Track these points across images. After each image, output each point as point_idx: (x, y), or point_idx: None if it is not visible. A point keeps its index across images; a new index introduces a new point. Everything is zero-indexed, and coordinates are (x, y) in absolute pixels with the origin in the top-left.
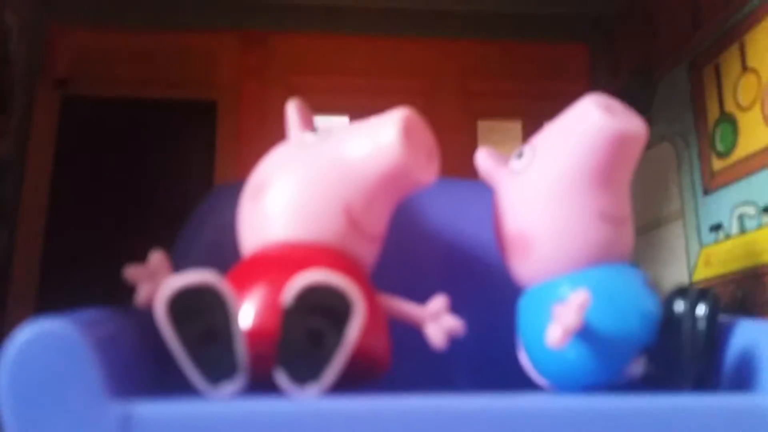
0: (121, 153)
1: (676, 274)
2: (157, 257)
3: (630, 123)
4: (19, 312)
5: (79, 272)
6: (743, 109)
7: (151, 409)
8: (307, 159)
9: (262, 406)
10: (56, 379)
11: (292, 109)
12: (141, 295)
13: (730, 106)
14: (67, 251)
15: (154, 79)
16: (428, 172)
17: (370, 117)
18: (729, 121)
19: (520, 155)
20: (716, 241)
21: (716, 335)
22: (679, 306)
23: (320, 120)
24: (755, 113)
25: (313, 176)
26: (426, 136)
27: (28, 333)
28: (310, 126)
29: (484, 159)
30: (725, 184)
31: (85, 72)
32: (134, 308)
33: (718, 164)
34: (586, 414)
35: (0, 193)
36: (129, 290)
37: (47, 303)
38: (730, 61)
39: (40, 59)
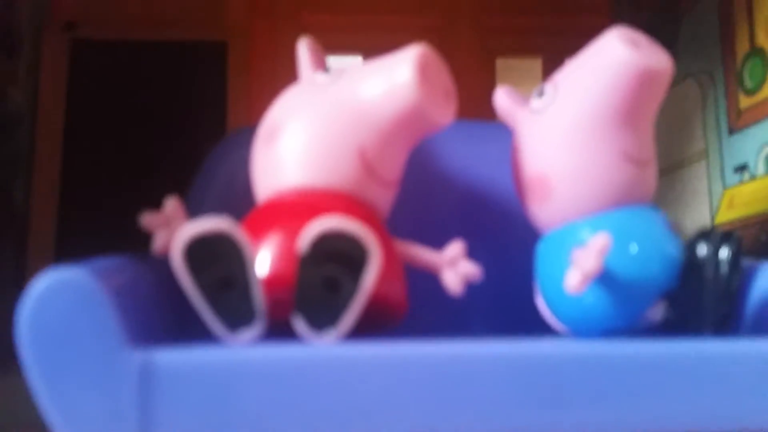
0: (132, 97)
1: (697, 217)
2: (171, 204)
3: (656, 58)
4: (39, 263)
5: (97, 221)
6: None
7: (171, 357)
8: (320, 101)
9: (281, 351)
10: (75, 328)
11: (304, 49)
12: (157, 243)
13: (761, 40)
14: (84, 200)
15: (163, 21)
16: (445, 112)
17: (384, 56)
18: (760, 55)
19: (540, 93)
20: (740, 182)
21: (739, 279)
22: (702, 249)
23: (333, 59)
24: None
25: (326, 119)
26: (443, 75)
27: (45, 283)
28: (322, 66)
29: (502, 98)
30: (753, 122)
31: (93, 14)
32: (152, 256)
33: (745, 102)
34: (604, 359)
35: (15, 146)
36: (147, 237)
37: (66, 253)
38: None
39: (46, 1)
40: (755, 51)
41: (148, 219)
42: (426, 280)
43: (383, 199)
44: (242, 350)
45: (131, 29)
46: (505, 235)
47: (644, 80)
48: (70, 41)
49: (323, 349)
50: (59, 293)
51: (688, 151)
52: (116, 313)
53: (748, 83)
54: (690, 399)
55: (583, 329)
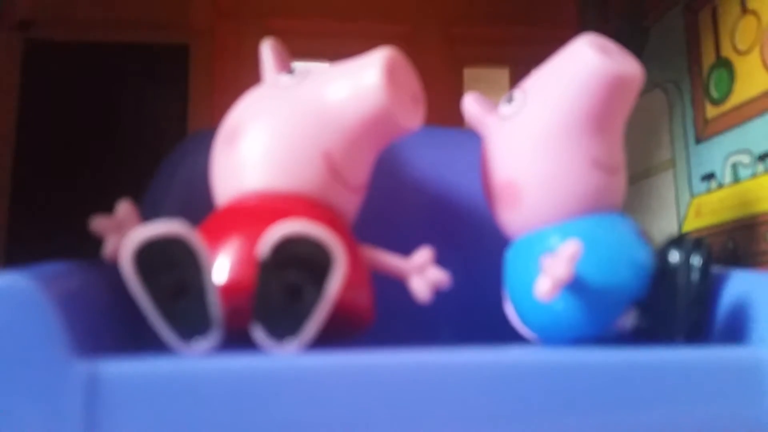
0: (89, 100)
1: (665, 225)
2: (124, 207)
3: (626, 64)
4: None
5: (49, 227)
6: (741, 54)
7: (119, 367)
8: (283, 103)
9: (239, 362)
10: (15, 336)
11: (267, 50)
12: (108, 248)
13: (727, 51)
14: (35, 205)
15: (123, 22)
16: (413, 116)
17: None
18: (725, 66)
19: (510, 99)
20: (708, 191)
21: (710, 286)
22: (674, 256)
23: (298, 65)
24: (754, 57)
25: (290, 121)
26: (411, 79)
27: None
28: (286, 68)
29: (471, 104)
30: (719, 131)
31: (49, 14)
32: (103, 262)
33: (712, 111)
34: (574, 367)
35: None
36: (99, 244)
37: (17, 259)
38: (729, 3)
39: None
40: (721, 62)
41: (98, 223)
42: (393, 287)
43: (349, 203)
44: (197, 361)
45: (89, 30)
46: (474, 242)
47: (615, 87)
48: (25, 41)
49: (284, 359)
50: None
51: (655, 160)
52: (60, 321)
53: (714, 93)
54: (662, 407)
55: (553, 337)
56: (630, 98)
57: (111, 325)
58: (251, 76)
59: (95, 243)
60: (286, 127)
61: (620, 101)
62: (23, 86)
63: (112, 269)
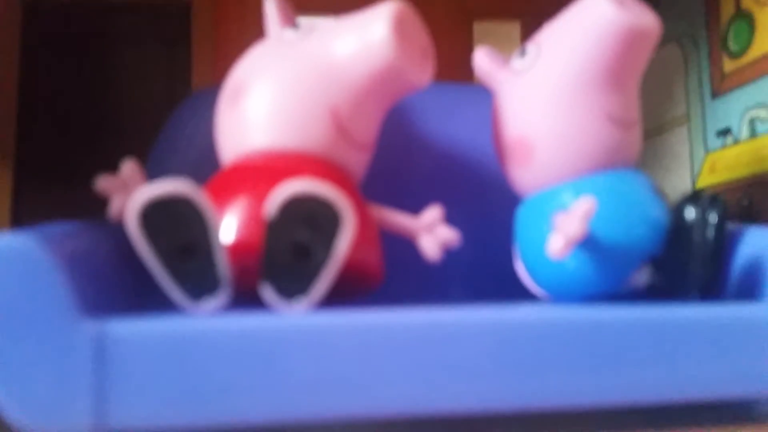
0: (92, 62)
1: (678, 181)
2: (129, 167)
3: (643, 17)
4: None
5: (55, 190)
6: (762, 5)
7: (127, 327)
8: (289, 58)
9: (248, 321)
10: (24, 298)
11: (271, 4)
12: (114, 208)
13: (747, 2)
14: (40, 166)
15: None
16: (422, 72)
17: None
18: (745, 18)
19: (522, 53)
20: (723, 147)
21: (724, 243)
22: (690, 213)
23: (303, 20)
24: None
25: (296, 77)
26: (420, 33)
27: None
28: (291, 23)
29: (482, 59)
30: (737, 86)
31: None
32: (110, 222)
33: (729, 65)
34: (585, 325)
35: None
36: (105, 204)
37: (23, 220)
38: None
39: None
40: (741, 14)
41: (103, 183)
42: (402, 246)
43: (357, 162)
44: (206, 320)
45: None
46: (484, 200)
47: (631, 39)
48: (24, 2)
49: (293, 318)
50: (5, 261)
51: (669, 116)
52: (67, 282)
53: (733, 46)
54: (675, 365)
55: (565, 295)
56: (646, 51)
57: (119, 285)
58: (255, 32)
59: (102, 203)
60: (292, 83)
61: (636, 54)
62: (25, 47)
63: (119, 229)
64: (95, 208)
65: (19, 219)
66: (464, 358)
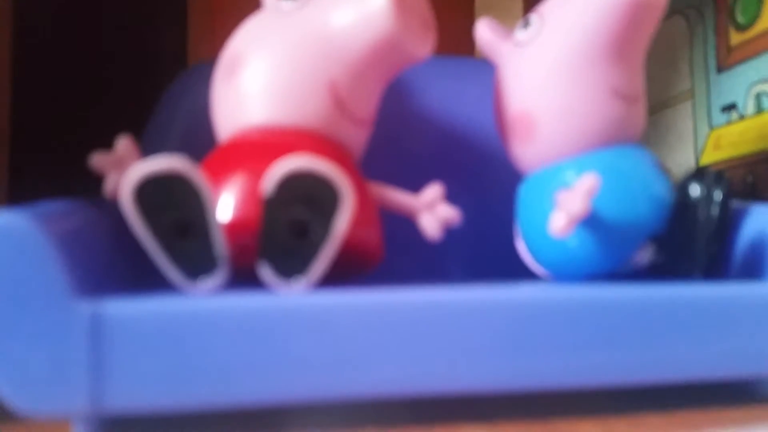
0: (86, 34)
1: (682, 158)
2: (124, 143)
3: None
4: None
5: (50, 164)
6: None
7: (123, 308)
8: (285, 30)
9: (246, 301)
10: (16, 277)
11: None
12: (108, 185)
13: None
14: (36, 143)
15: None
16: (423, 43)
17: None
18: None
19: (526, 24)
20: (728, 123)
21: (729, 221)
22: (695, 190)
23: None
24: None
25: (293, 50)
26: (420, 3)
27: None
28: None
29: (484, 30)
30: (743, 59)
31: None
32: (105, 200)
33: (736, 38)
34: (588, 304)
35: None
36: (101, 181)
37: (18, 198)
38: None
39: None
40: None
41: (98, 159)
42: (402, 224)
43: (356, 138)
44: (203, 300)
45: None
46: (485, 177)
47: (636, 11)
48: None
49: (291, 298)
50: None
51: (673, 91)
52: (62, 261)
53: (740, 18)
54: (678, 344)
55: (567, 273)
56: (652, 23)
57: (115, 264)
58: (252, 3)
59: (96, 180)
60: (288, 56)
61: (642, 26)
62: (18, 21)
63: (114, 208)
64: (90, 184)
65: (14, 196)
66: (465, 337)
